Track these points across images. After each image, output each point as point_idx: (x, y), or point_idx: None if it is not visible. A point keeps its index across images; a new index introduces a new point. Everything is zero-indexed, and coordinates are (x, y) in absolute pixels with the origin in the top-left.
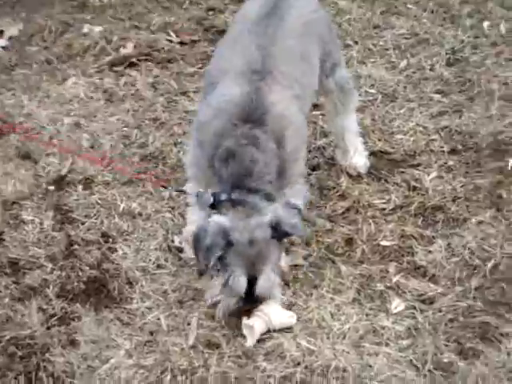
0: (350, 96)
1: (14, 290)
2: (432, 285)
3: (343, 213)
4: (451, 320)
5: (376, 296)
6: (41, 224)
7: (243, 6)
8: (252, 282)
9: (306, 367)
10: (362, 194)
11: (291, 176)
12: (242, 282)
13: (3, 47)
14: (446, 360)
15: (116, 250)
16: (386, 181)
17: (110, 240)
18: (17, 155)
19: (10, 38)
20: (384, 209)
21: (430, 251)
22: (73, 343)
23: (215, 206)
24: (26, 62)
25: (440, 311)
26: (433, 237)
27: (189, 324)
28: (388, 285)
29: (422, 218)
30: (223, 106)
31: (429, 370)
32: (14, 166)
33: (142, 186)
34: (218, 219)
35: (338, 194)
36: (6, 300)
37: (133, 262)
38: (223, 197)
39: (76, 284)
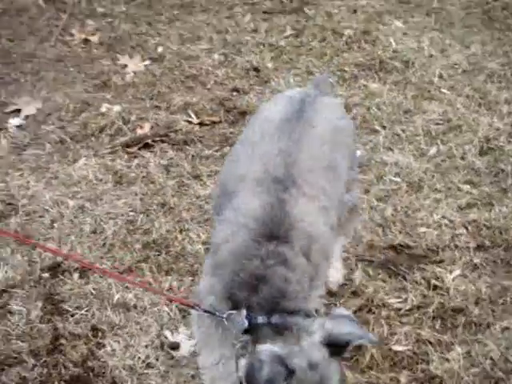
0: (356, 217)
1: None
2: None
3: (355, 312)
4: None
5: None
6: (28, 315)
7: (262, 108)
8: None
9: None
10: (376, 291)
11: (316, 291)
12: None
13: (18, 126)
14: None
15: (104, 346)
16: (404, 278)
17: (100, 334)
18: (14, 240)
19: (27, 116)
20: (399, 309)
21: (447, 359)
22: None
23: (250, 331)
24: (39, 142)
25: None
26: (451, 343)
27: None
28: None
29: (440, 321)
30: (241, 221)
31: None
32: (10, 251)
33: (142, 276)
34: (269, 347)
35: (350, 290)
36: None
37: (120, 360)
38: (260, 320)
39: (57, 383)
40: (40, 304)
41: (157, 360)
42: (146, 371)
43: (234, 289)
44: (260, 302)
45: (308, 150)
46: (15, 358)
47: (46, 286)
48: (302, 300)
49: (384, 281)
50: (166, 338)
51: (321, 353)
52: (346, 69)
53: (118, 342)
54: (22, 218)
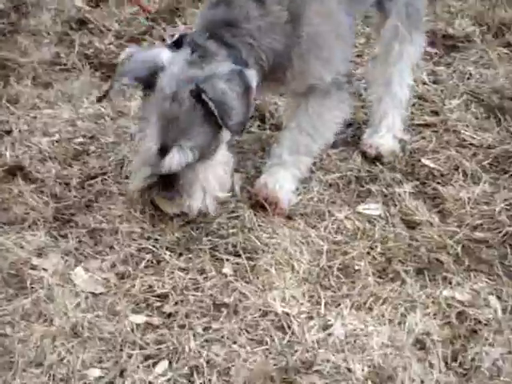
0: (417, 33)
1: None
2: None
3: None
4: None
5: None
6: None
7: None
8: (164, 152)
9: None
10: None
11: (303, 71)
12: (151, 145)
13: None
14: None
15: None
16: None
17: None
18: None
19: None
20: None
21: None
22: None
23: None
24: None
25: None
26: None
27: None
28: None
29: None
30: None
31: None
32: None
33: None
34: (160, 51)
35: None
36: None
37: None
38: (188, 38)
39: None
40: None
41: None
42: None
43: (206, 9)
44: (209, 19)
45: None
46: None
47: None
48: (245, 44)
49: None
50: None
51: (190, 89)
52: None
53: None
54: None
